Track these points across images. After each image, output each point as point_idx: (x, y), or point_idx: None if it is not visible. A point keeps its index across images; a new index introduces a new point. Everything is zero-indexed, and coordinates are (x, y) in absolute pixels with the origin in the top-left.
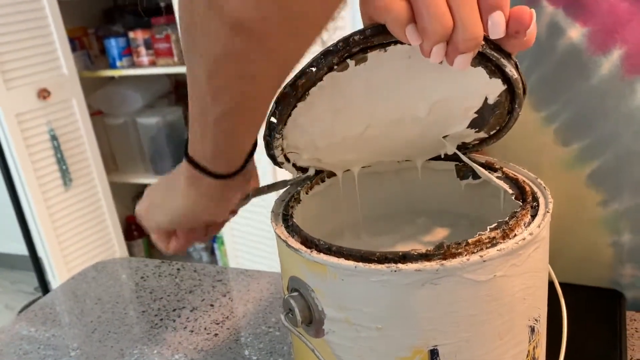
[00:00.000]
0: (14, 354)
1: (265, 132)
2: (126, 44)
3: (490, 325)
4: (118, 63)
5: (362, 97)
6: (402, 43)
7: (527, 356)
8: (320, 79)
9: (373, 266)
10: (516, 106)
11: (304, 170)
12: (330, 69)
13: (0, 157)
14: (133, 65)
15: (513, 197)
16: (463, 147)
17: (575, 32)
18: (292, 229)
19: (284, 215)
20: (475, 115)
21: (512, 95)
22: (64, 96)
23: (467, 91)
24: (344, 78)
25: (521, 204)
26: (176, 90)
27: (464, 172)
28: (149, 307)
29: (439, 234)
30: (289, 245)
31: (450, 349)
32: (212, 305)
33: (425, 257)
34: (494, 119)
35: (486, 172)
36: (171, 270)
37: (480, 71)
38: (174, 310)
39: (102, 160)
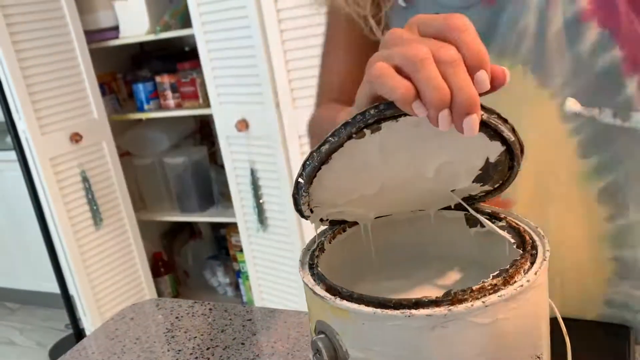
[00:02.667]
0: None
1: (293, 190)
2: (153, 88)
3: None
4: (146, 106)
5: (377, 159)
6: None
7: None
8: (341, 145)
9: (389, 312)
10: (515, 164)
11: (327, 221)
12: (349, 138)
13: (35, 199)
14: (160, 108)
15: (515, 246)
16: (471, 198)
17: (615, 53)
18: (318, 277)
19: (310, 264)
20: (480, 172)
21: (511, 154)
22: (95, 139)
23: (470, 153)
24: (361, 144)
25: (521, 252)
26: (201, 131)
27: (473, 220)
28: (184, 346)
29: (451, 278)
30: (315, 293)
31: None
32: (243, 344)
33: (435, 303)
34: (497, 175)
35: (490, 223)
36: (203, 310)
37: (481, 135)
38: (208, 349)
39: (131, 199)
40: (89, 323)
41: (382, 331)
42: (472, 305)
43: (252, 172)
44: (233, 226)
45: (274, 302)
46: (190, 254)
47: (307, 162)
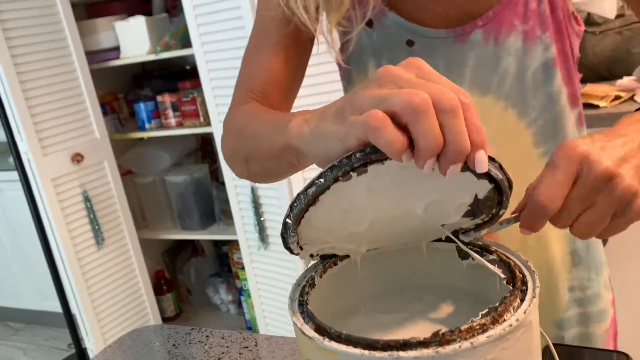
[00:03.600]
0: None
1: (282, 230)
2: (154, 107)
3: None
4: (147, 125)
5: (364, 200)
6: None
7: None
8: (328, 188)
9: (377, 354)
10: (504, 199)
11: (318, 256)
12: (336, 180)
13: (37, 219)
14: (161, 126)
15: (505, 282)
16: (462, 230)
17: (566, 91)
18: (307, 315)
19: (300, 301)
20: (469, 208)
21: (499, 190)
22: (97, 159)
23: (458, 191)
24: (348, 185)
25: (511, 288)
26: (202, 148)
27: (464, 253)
28: None
29: (444, 310)
30: (304, 333)
31: None
32: None
33: (423, 344)
34: (486, 210)
35: (480, 257)
36: (200, 337)
37: (469, 175)
38: None
39: (132, 217)
40: (91, 343)
41: None
42: (460, 346)
43: (253, 190)
44: (235, 243)
45: (276, 319)
46: (192, 271)
47: (295, 204)
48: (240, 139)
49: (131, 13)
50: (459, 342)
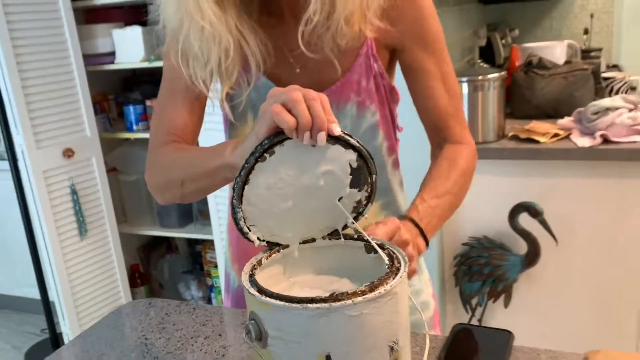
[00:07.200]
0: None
1: (231, 211)
2: (143, 110)
3: (361, 344)
4: (135, 127)
5: (280, 174)
6: (291, 138)
7: None
8: (253, 168)
9: (294, 305)
10: (370, 166)
11: (265, 242)
12: (257, 161)
13: (24, 208)
14: (149, 129)
15: (387, 268)
16: (358, 214)
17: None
18: (253, 282)
19: (250, 274)
20: (351, 177)
21: (364, 159)
22: (86, 155)
23: (337, 161)
24: (267, 164)
25: (388, 271)
26: None
27: (369, 249)
28: (172, 335)
29: (349, 286)
30: (249, 292)
31: (337, 356)
32: (220, 335)
33: (323, 300)
34: (363, 179)
35: (378, 248)
36: (188, 309)
37: (338, 147)
38: (192, 337)
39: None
40: (67, 327)
41: (288, 317)
42: (345, 303)
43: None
44: (209, 243)
45: None
46: (166, 267)
47: (234, 185)
48: (173, 170)
49: (128, 21)
50: (345, 300)
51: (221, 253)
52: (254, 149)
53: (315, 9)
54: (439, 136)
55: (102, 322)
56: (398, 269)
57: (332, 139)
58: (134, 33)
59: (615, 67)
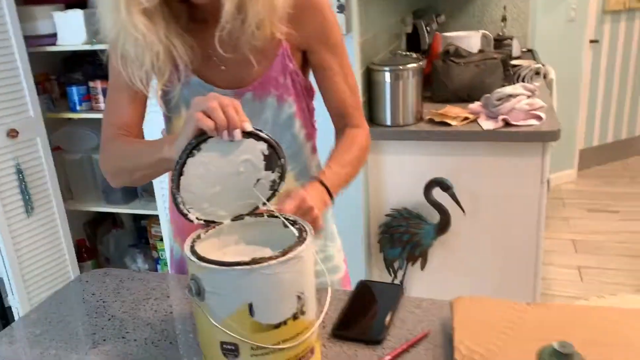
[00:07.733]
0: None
1: (172, 199)
2: (86, 91)
3: (275, 295)
4: (78, 107)
5: (208, 166)
6: (213, 137)
7: (297, 311)
8: (185, 163)
9: (224, 267)
10: (278, 152)
11: (203, 221)
12: (188, 157)
13: None
14: (92, 109)
15: (298, 238)
16: (274, 191)
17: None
18: (194, 252)
19: (191, 245)
20: (264, 162)
21: (273, 148)
22: (30, 135)
23: (252, 151)
24: (196, 159)
25: (297, 241)
26: None
27: (286, 224)
28: (127, 298)
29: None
30: (190, 259)
31: (257, 305)
32: (168, 297)
33: (246, 263)
34: (274, 163)
35: (290, 225)
36: (140, 277)
37: (252, 140)
38: (144, 299)
39: (60, 190)
40: (16, 301)
41: (220, 277)
42: (262, 265)
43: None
44: (154, 218)
45: None
46: (112, 242)
47: (172, 178)
48: (125, 160)
49: (68, 2)
50: (263, 263)
51: (166, 227)
52: (184, 147)
53: (227, 19)
54: (341, 122)
55: (64, 290)
56: (305, 239)
57: (246, 134)
58: (76, 15)
59: (529, 51)
